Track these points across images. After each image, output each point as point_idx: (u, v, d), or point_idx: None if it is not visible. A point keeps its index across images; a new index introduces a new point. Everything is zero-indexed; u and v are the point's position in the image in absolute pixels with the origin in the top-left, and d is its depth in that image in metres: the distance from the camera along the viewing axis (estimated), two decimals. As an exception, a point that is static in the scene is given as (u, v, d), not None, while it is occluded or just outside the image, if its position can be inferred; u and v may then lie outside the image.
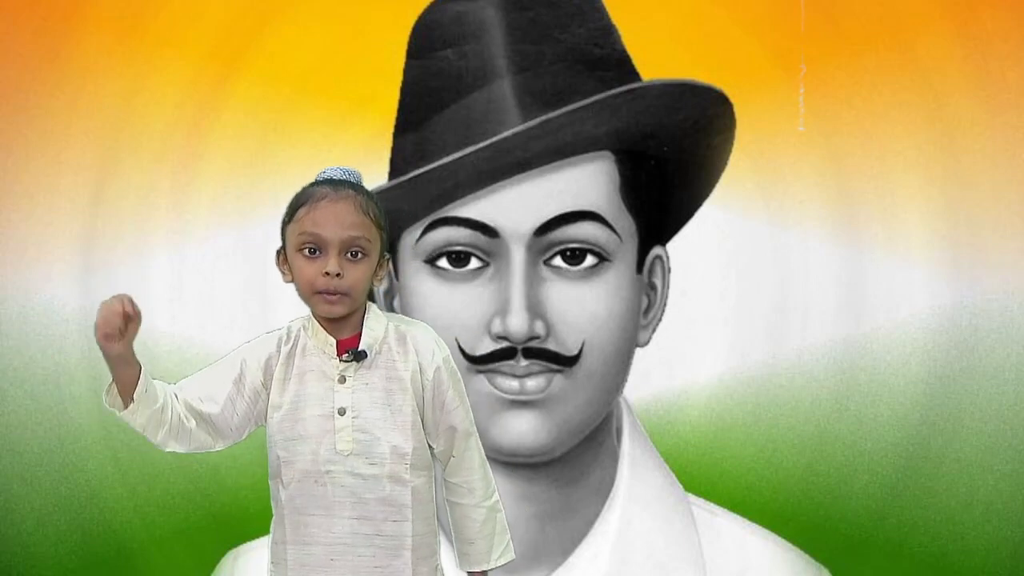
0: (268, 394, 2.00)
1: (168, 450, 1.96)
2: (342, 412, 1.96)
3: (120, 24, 3.18)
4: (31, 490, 3.19)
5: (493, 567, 2.08)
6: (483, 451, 2.09)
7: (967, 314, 3.10)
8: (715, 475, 3.08)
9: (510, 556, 2.07)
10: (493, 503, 2.06)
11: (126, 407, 1.89)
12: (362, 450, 1.96)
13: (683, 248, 2.97)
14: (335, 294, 1.94)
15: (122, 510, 3.18)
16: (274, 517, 2.02)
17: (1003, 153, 3.13)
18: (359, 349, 1.98)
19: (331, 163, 2.05)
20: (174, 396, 1.95)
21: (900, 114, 3.12)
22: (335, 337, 1.99)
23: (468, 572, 2.08)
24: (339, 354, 1.98)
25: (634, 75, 2.83)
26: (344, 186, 1.99)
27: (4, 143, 3.20)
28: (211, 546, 3.11)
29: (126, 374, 1.87)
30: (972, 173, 3.12)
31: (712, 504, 2.99)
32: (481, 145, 2.63)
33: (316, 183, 2.01)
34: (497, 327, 2.67)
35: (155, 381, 1.92)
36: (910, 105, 3.12)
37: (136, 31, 3.17)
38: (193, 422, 1.97)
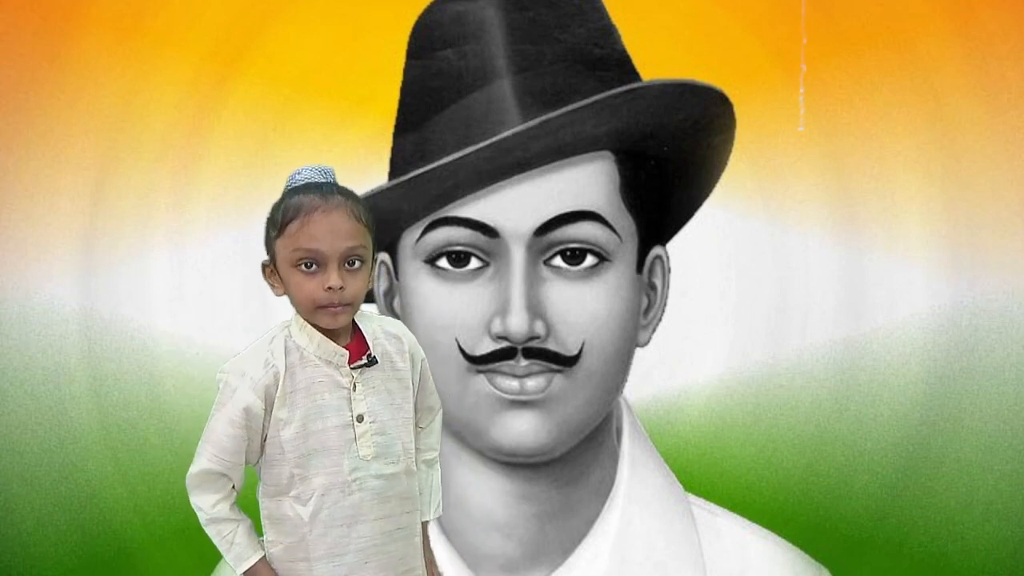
0: (271, 416, 1.97)
1: None
2: (360, 419, 1.97)
3: (120, 24, 3.18)
4: (31, 490, 3.19)
5: (432, 519, 2.15)
6: None
7: (967, 314, 3.10)
8: (715, 475, 3.08)
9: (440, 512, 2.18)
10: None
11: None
12: (381, 452, 1.98)
13: (683, 248, 2.97)
14: (339, 306, 1.93)
15: (122, 510, 3.18)
16: (279, 536, 2.00)
17: (1003, 153, 3.13)
18: (372, 356, 1.99)
19: (332, 163, 2.01)
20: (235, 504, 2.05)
21: (900, 114, 3.12)
22: (336, 344, 1.99)
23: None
24: (349, 362, 1.98)
25: (634, 75, 2.83)
26: (331, 192, 1.95)
27: (4, 143, 3.20)
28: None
29: None
30: (972, 173, 3.12)
31: (712, 504, 2.99)
32: (481, 145, 2.63)
33: (297, 190, 1.95)
34: (497, 327, 2.67)
35: (250, 531, 2.03)
36: (910, 105, 3.12)
37: (136, 31, 3.17)
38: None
